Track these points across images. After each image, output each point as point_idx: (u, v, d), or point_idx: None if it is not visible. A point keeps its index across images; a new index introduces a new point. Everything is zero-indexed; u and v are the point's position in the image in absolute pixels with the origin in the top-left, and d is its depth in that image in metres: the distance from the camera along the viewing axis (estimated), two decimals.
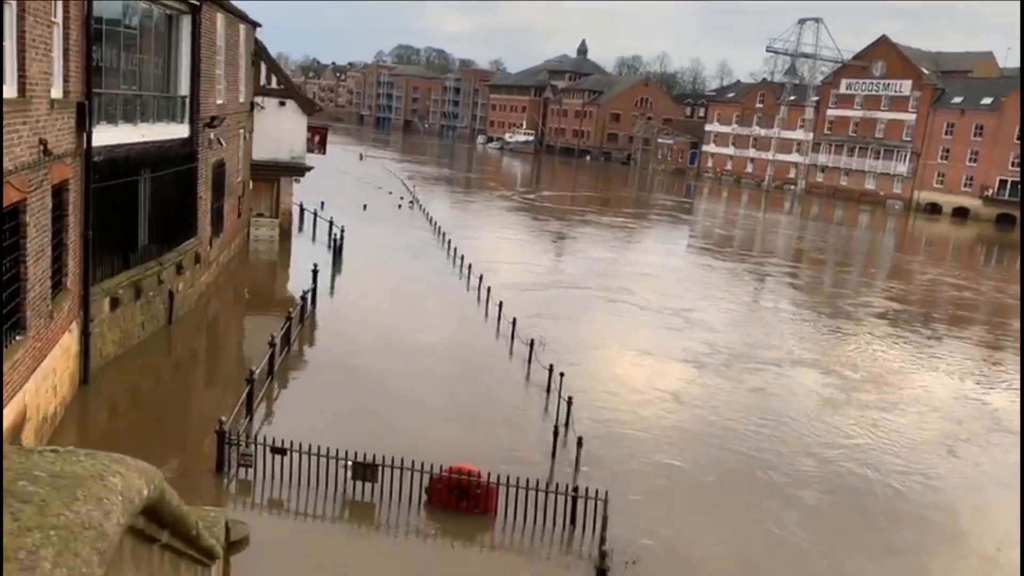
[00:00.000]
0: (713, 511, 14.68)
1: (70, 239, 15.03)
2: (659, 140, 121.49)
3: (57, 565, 0.92)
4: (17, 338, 12.26)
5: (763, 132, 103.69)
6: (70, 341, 15.43)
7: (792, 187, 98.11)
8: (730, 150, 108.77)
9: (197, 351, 22.21)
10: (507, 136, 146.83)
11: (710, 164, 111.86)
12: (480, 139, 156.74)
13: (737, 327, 28.86)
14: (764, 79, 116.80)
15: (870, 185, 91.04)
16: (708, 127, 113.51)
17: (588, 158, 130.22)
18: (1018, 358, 27.31)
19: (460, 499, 13.45)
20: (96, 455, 1.26)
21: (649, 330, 27.22)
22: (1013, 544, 14.05)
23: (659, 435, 17.85)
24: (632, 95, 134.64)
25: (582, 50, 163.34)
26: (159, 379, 19.19)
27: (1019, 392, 18.26)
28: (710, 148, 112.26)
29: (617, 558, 12.27)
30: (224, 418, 14.37)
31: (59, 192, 14.12)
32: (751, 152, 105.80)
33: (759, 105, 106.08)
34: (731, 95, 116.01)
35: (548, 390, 18.86)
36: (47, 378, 13.79)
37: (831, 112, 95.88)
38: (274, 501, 13.74)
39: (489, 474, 13.40)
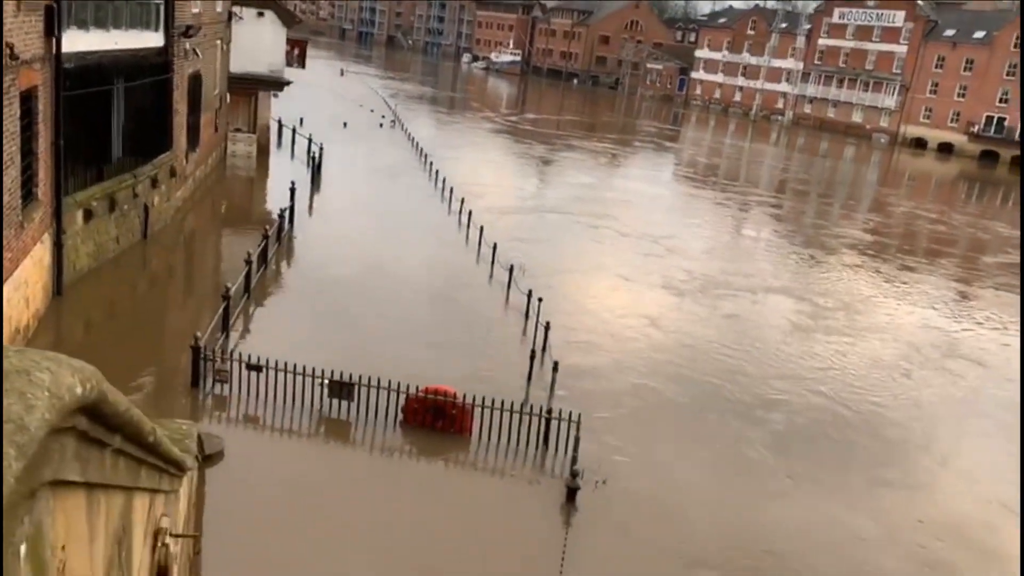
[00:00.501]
0: (684, 433, 14.99)
1: (40, 148, 14.66)
2: (648, 65, 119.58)
3: None
4: None
5: (753, 60, 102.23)
6: (42, 253, 15.21)
7: (779, 118, 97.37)
8: (719, 78, 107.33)
9: (173, 266, 22.01)
10: (493, 56, 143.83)
11: (699, 91, 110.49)
12: (465, 58, 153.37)
13: (716, 255, 29.00)
14: (757, 5, 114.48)
15: (857, 118, 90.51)
16: (698, 53, 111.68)
17: (575, 81, 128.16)
18: (992, 291, 27.76)
19: (436, 419, 13.60)
20: (27, 352, 1.20)
21: (629, 256, 27.28)
22: (957, 456, 15.13)
23: (634, 358, 18.08)
24: (622, 17, 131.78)
25: None
26: (134, 293, 19.06)
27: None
28: (699, 75, 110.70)
29: (588, 477, 12.54)
30: (199, 333, 14.32)
31: (27, 99, 13.69)
32: (740, 80, 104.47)
33: (751, 32, 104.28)
34: (723, 21, 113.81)
35: (527, 315, 18.94)
36: (19, 289, 13.63)
37: (822, 42, 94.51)
38: (250, 417, 13.83)
39: (464, 395, 13.53)
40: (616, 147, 59.16)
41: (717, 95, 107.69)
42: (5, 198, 12.57)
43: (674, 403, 16.18)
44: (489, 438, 13.48)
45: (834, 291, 25.87)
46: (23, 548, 1.27)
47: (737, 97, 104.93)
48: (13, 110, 12.76)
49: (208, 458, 12.23)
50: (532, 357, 15.98)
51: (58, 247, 16.00)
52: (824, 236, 34.84)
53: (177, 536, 5.13)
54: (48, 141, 15.07)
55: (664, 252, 28.25)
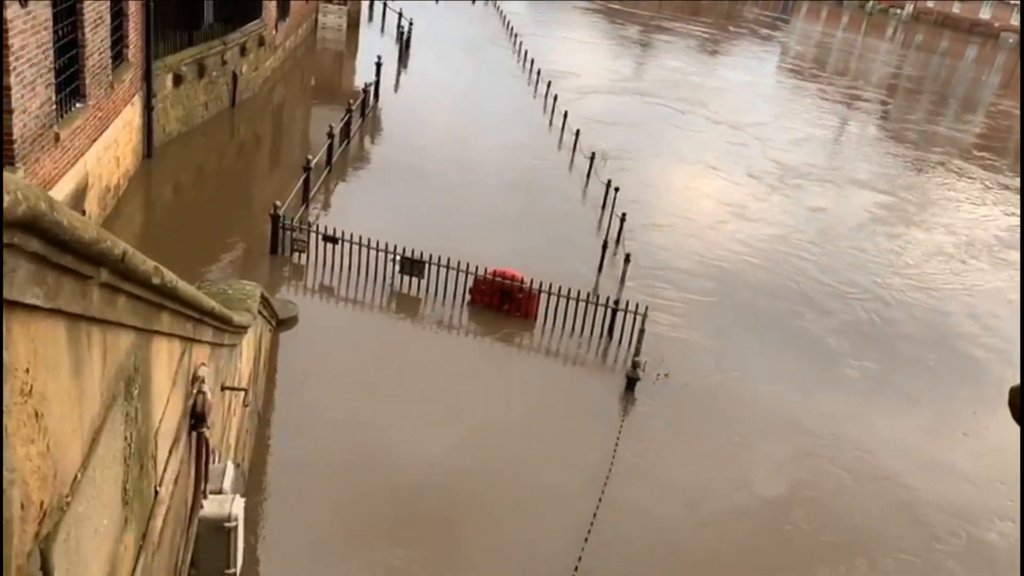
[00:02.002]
0: (755, 330, 14.74)
1: (131, 9, 14.79)
2: None
3: None
4: (77, 105, 12.39)
5: None
6: (132, 114, 15.59)
7: (898, 11, 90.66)
8: None
9: (260, 136, 22.35)
10: None
11: None
12: None
13: (809, 149, 27.75)
14: None
15: (985, 14, 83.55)
16: None
17: None
18: None
19: (502, 302, 13.71)
20: None
21: (717, 144, 26.29)
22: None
23: (711, 250, 17.75)
24: None
25: None
26: (221, 160, 19.51)
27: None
28: None
29: (650, 370, 12.54)
30: (279, 203, 14.61)
31: None
32: None
33: None
34: None
35: (604, 204, 18.63)
36: (109, 148, 14.07)
37: None
38: (324, 287, 14.22)
39: (532, 280, 13.54)
40: (718, 33, 56.32)
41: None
42: (95, 57, 12.82)
43: (747, 298, 15.88)
44: (554, 324, 13.55)
45: (925, 193, 24.61)
46: None
47: None
48: None
49: (283, 323, 12.70)
50: (604, 247, 15.81)
51: (148, 110, 16.37)
52: (929, 139, 32.83)
53: (227, 388, 5.35)
54: (139, 2, 15.19)
55: (756, 142, 27.11)
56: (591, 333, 13.49)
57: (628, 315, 13.14)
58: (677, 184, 22.33)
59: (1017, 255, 20.43)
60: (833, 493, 11.00)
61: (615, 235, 16.58)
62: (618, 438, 10.98)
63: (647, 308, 13.00)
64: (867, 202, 23.04)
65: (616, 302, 13.39)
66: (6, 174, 1.27)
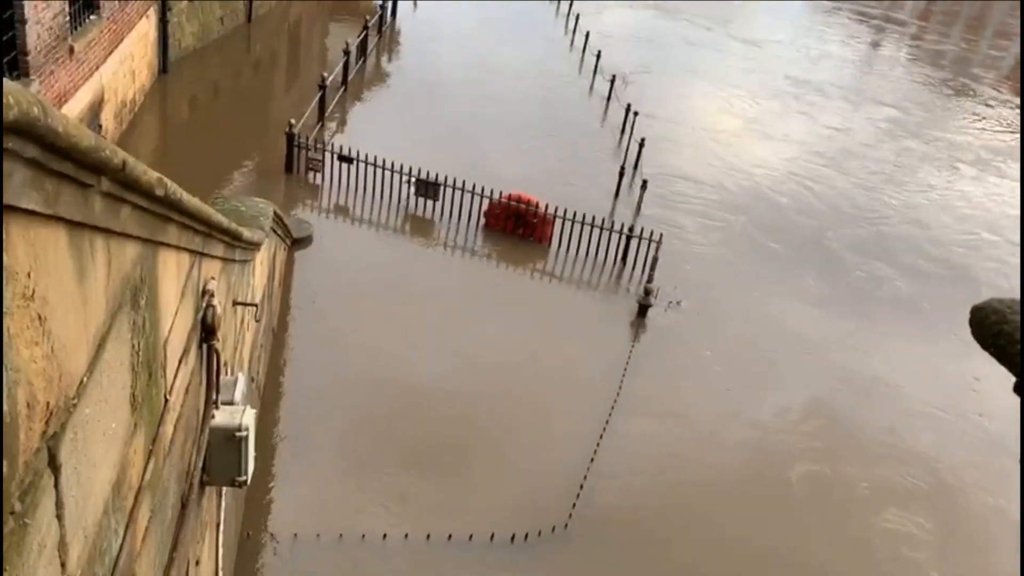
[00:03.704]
0: (765, 262, 14.68)
1: None
2: None
3: None
4: (92, 18, 12.25)
5: None
6: (147, 28, 15.40)
7: None
8: None
9: (276, 52, 22.05)
10: None
11: None
12: None
13: (833, 67, 27.14)
14: None
15: None
16: None
17: None
18: None
19: (517, 226, 13.70)
20: None
21: (744, 76, 25.70)
22: None
23: (729, 173, 17.61)
24: None
25: None
26: (238, 76, 19.31)
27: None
28: None
29: (662, 297, 12.57)
30: (294, 121, 14.52)
31: None
32: None
33: None
34: None
35: (623, 130, 18.38)
36: (124, 62, 13.95)
37: None
38: (339, 207, 14.24)
39: (547, 204, 13.49)
40: None
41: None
42: None
43: (763, 227, 15.76)
44: (568, 250, 13.55)
45: (965, 136, 24.11)
46: None
47: None
48: None
49: (298, 242, 12.78)
50: (621, 173, 15.67)
51: (163, 23, 16.15)
52: (966, 85, 31.91)
53: (238, 304, 5.43)
54: None
55: (778, 60, 26.48)
56: (605, 259, 13.50)
57: (642, 242, 13.11)
58: (697, 105, 21.95)
59: None
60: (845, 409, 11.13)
61: (633, 160, 16.41)
62: (625, 369, 11.07)
63: (661, 235, 12.96)
64: (881, 118, 22.81)
65: (631, 228, 13.34)
66: (6, 82, 1.28)
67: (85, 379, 2.05)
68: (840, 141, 20.84)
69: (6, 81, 1.30)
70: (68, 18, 11.21)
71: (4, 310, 1.50)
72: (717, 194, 16.80)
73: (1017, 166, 21.24)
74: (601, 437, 9.72)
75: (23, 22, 9.90)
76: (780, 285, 14.07)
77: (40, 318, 1.70)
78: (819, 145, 20.36)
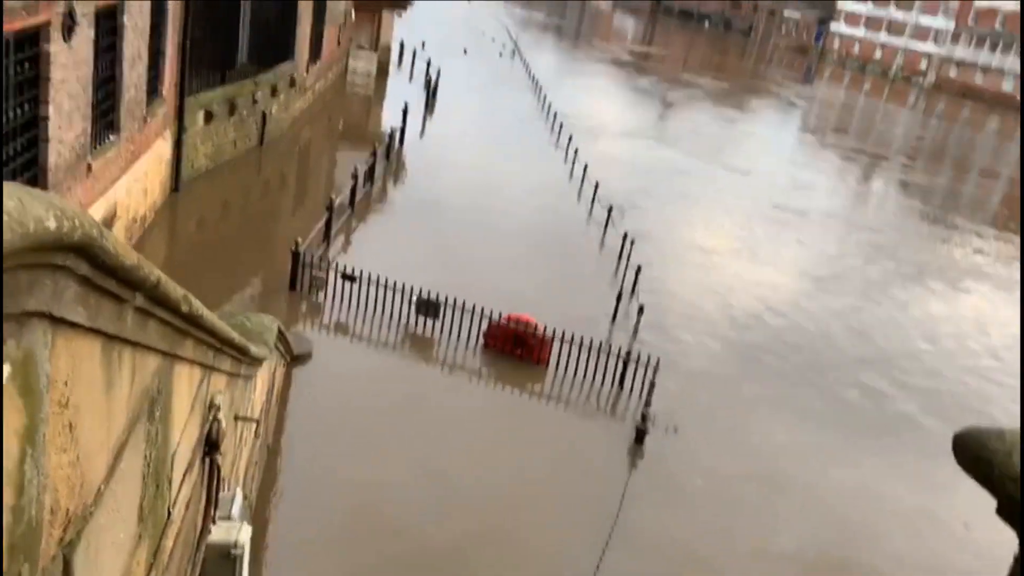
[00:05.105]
0: (765, 392, 14.71)
1: (168, 48, 15.28)
2: (785, 13, 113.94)
3: None
4: (111, 138, 12.75)
5: (900, 16, 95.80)
6: (163, 148, 15.98)
7: (920, 80, 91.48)
8: (860, 32, 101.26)
9: (286, 175, 22.78)
10: None
11: (836, 45, 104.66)
12: None
13: (823, 199, 27.90)
14: None
15: (1008, 87, 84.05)
16: (840, 4, 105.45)
17: (707, 23, 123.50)
18: None
19: (516, 346, 13.80)
20: (8, 184, 1.29)
21: (737, 204, 26.51)
22: None
23: (725, 301, 17.83)
24: None
25: None
26: (247, 197, 19.88)
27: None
28: (839, 27, 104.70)
29: (660, 422, 12.53)
30: (301, 240, 14.86)
31: None
32: (882, 36, 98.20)
33: None
34: None
35: (620, 255, 18.79)
36: (138, 180, 14.41)
37: (978, 2, 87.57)
38: (340, 324, 14.37)
39: (546, 327, 13.64)
40: (741, 93, 57.04)
41: (856, 50, 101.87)
42: (131, 92, 13.22)
43: (759, 350, 15.86)
44: (566, 372, 13.60)
45: (950, 266, 24.61)
46: (7, 368, 1.40)
47: (877, 55, 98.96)
48: (144, 8, 13.31)
49: (297, 358, 12.83)
50: (619, 298, 15.91)
51: (178, 145, 16.77)
52: (950, 215, 32.89)
53: (239, 419, 5.46)
54: (176, 42, 15.68)
55: (771, 191, 27.31)
56: (603, 382, 13.53)
57: (639, 367, 13.19)
58: (693, 234, 22.50)
59: None
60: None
61: (630, 286, 16.70)
62: (622, 498, 10.91)
63: (658, 360, 13.05)
64: (867, 242, 23.15)
65: (628, 353, 13.44)
66: (62, 201, 1.40)
67: (102, 487, 2.10)
68: (830, 265, 21.43)
69: (66, 203, 1.43)
70: (89, 138, 11.68)
71: (42, 416, 1.58)
72: (712, 317, 17.02)
73: (998, 288, 21.60)
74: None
75: (46, 140, 10.31)
76: (778, 410, 14.05)
77: (71, 426, 1.77)
78: (811, 268, 20.91)
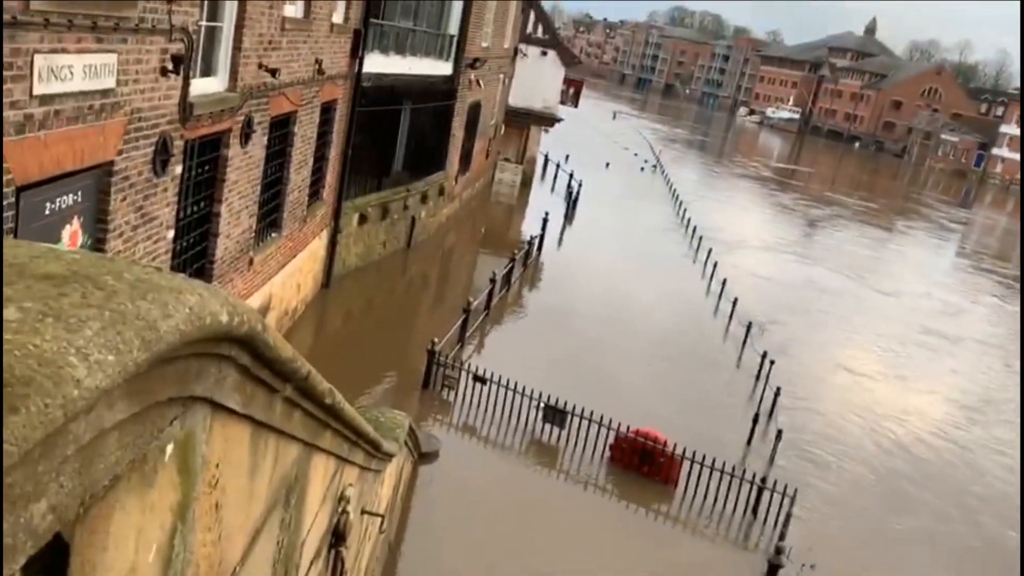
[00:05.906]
0: (910, 527, 13.58)
1: (331, 154, 16.46)
2: (942, 136, 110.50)
3: (98, 334, 1.09)
4: (272, 235, 13.72)
5: None
6: (318, 247, 17.02)
7: None
8: None
9: (428, 276, 23.66)
10: (769, 111, 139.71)
11: (998, 169, 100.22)
12: (741, 111, 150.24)
13: (981, 328, 26.05)
14: None
15: None
16: (1003, 128, 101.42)
17: (857, 145, 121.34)
18: None
19: (643, 463, 13.44)
20: (187, 279, 1.43)
21: (885, 326, 25.25)
22: None
23: (872, 432, 16.77)
24: (919, 83, 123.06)
25: (870, 28, 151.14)
26: (391, 295, 20.73)
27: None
28: (1001, 152, 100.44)
29: (795, 558, 11.75)
30: (437, 339, 15.27)
31: (327, 110, 15.47)
32: None
33: None
34: None
35: (758, 375, 18.18)
36: (293, 276, 15.35)
37: None
38: (468, 425, 14.50)
39: (676, 444, 13.25)
40: (894, 216, 55.17)
41: (1020, 176, 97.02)
42: (295, 194, 14.26)
43: (908, 491, 14.72)
44: (695, 495, 13.08)
45: None
46: (169, 447, 1.51)
47: None
48: (313, 118, 14.48)
49: (424, 456, 12.99)
50: (755, 420, 15.30)
51: (333, 244, 17.82)
52: None
53: (366, 513, 5.55)
54: (339, 149, 16.89)
55: (933, 334, 25.84)
56: (734, 509, 12.90)
57: (775, 495, 12.51)
58: (834, 352, 21.50)
59: None
60: None
61: (768, 408, 16.07)
62: None
63: (796, 490, 12.36)
64: None
65: (763, 480, 12.81)
66: (234, 298, 1.53)
67: (238, 568, 2.18)
68: (985, 394, 19.84)
69: (237, 300, 1.56)
70: (254, 234, 12.61)
71: (194, 495, 1.68)
72: (856, 446, 16.04)
73: None
74: None
75: (216, 235, 11.22)
76: (931, 550, 12.91)
77: (217, 506, 1.88)
78: (964, 399, 19.44)
